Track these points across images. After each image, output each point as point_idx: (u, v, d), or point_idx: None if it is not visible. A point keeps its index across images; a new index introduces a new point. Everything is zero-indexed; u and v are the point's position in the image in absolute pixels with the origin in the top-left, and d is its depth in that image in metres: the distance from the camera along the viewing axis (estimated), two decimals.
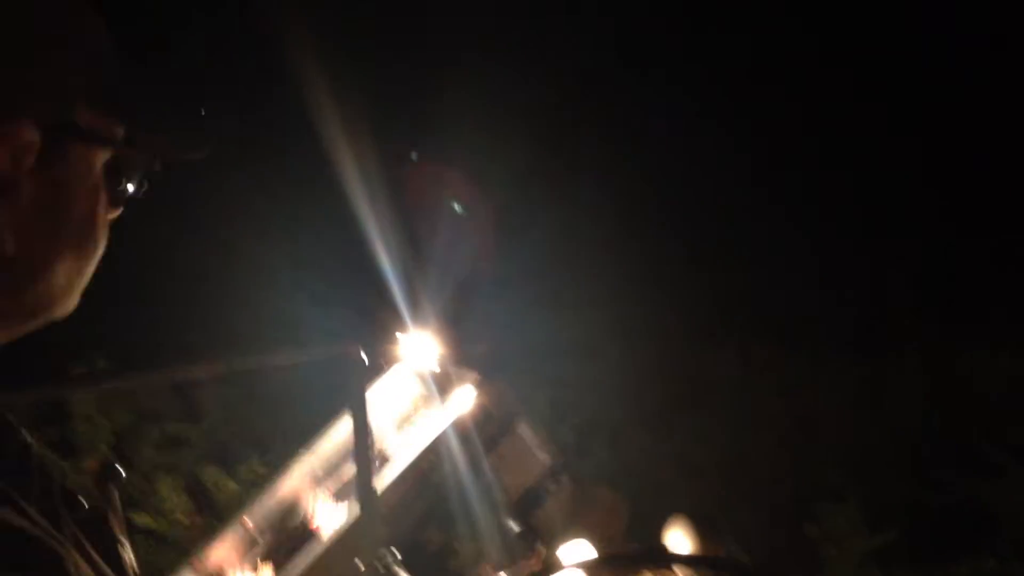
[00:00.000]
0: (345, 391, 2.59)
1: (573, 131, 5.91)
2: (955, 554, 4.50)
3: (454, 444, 3.23)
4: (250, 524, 2.94)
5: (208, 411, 4.96)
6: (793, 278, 6.22)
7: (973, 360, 5.83)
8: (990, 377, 5.65)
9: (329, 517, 2.93)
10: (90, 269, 0.68)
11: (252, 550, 2.87)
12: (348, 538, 2.67)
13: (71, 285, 0.64)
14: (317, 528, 2.88)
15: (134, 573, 0.74)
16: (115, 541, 0.72)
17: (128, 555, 0.74)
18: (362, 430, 2.52)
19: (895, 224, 6.83)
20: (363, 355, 2.59)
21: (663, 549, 2.37)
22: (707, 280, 5.86)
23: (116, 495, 0.74)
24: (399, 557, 2.58)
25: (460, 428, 3.30)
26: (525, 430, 3.45)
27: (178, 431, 4.96)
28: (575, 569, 1.79)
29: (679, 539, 2.65)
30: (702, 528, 2.83)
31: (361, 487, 2.55)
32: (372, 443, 2.78)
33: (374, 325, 3.18)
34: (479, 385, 3.50)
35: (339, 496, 3.03)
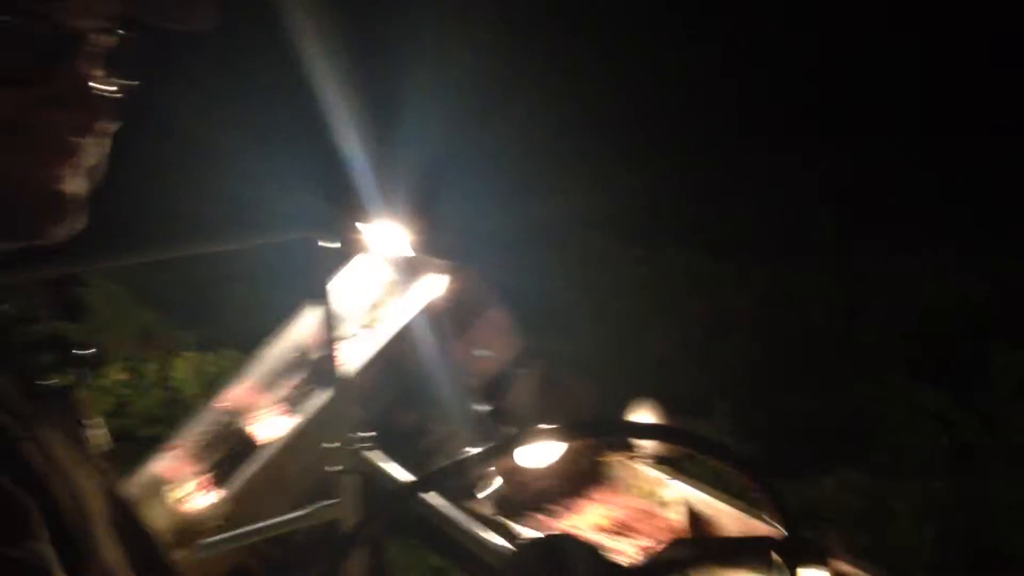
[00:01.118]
0: (308, 277, 2.60)
1: (543, 21, 5.79)
2: (827, 466, 4.40)
3: (425, 329, 3.28)
4: (226, 403, 2.99)
5: (168, 297, 4.96)
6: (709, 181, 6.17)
7: (872, 261, 5.85)
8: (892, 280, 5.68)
9: (301, 402, 2.98)
10: None
11: (228, 431, 2.93)
12: (321, 420, 2.73)
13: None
14: (290, 411, 2.93)
15: (102, 451, 0.75)
16: (76, 419, 0.72)
17: (98, 433, 0.74)
18: (327, 316, 2.54)
19: (806, 128, 6.74)
20: (323, 241, 2.59)
21: (621, 419, 2.44)
22: (649, 181, 5.77)
23: (84, 377, 0.75)
24: (372, 439, 2.63)
25: (431, 313, 3.34)
26: (494, 316, 3.50)
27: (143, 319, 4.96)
28: (538, 440, 1.84)
29: (642, 418, 2.74)
30: (667, 410, 2.92)
31: (332, 371, 2.58)
32: (340, 329, 2.79)
33: (340, 213, 3.17)
34: (449, 271, 3.53)
35: (311, 380, 3.07)
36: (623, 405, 3.06)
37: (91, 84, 0.61)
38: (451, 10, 5.13)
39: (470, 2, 5.24)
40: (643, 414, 3.10)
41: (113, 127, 0.64)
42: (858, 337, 5.19)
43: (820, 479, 4.22)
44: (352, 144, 4.15)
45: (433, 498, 1.70)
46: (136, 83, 0.65)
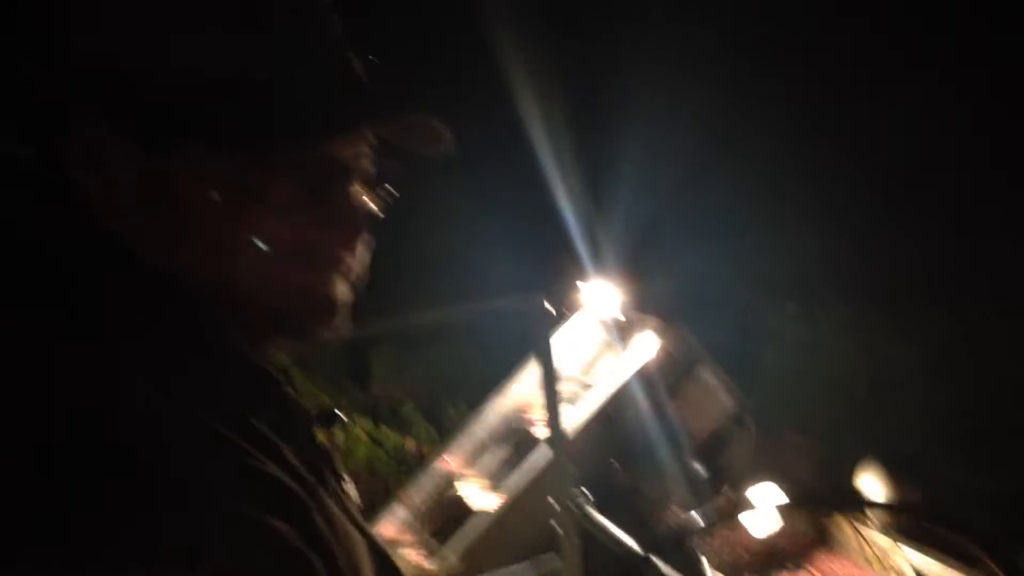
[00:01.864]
0: (529, 339, 2.68)
1: (761, 85, 5.75)
2: None
3: (638, 388, 3.31)
4: (449, 461, 3.14)
5: (399, 366, 5.21)
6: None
7: None
8: None
9: (522, 460, 3.08)
10: None
11: (450, 487, 3.07)
12: (542, 479, 2.81)
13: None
14: (512, 469, 3.03)
15: (358, 507, 0.83)
16: (339, 477, 0.81)
17: (352, 489, 0.82)
18: (549, 377, 2.61)
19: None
20: (546, 304, 2.66)
21: (856, 493, 2.36)
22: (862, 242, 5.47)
23: (335, 438, 0.83)
24: (590, 497, 2.68)
25: (644, 373, 3.37)
26: (708, 374, 3.49)
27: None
28: (766, 509, 1.82)
29: (871, 483, 2.64)
30: (894, 473, 2.79)
31: (552, 431, 2.66)
32: (559, 388, 2.87)
33: (554, 272, 3.27)
34: (661, 330, 3.55)
35: (531, 439, 3.17)
36: (843, 466, 2.96)
37: (358, 205, 0.69)
38: (668, 72, 5.20)
39: (685, 64, 5.29)
40: (869, 477, 2.98)
41: (373, 240, 0.75)
42: None
43: None
44: (569, 204, 4.27)
45: (661, 564, 1.72)
46: (394, 199, 0.76)
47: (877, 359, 4.62)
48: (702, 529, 1.18)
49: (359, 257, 0.73)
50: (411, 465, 3.88)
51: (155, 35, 0.64)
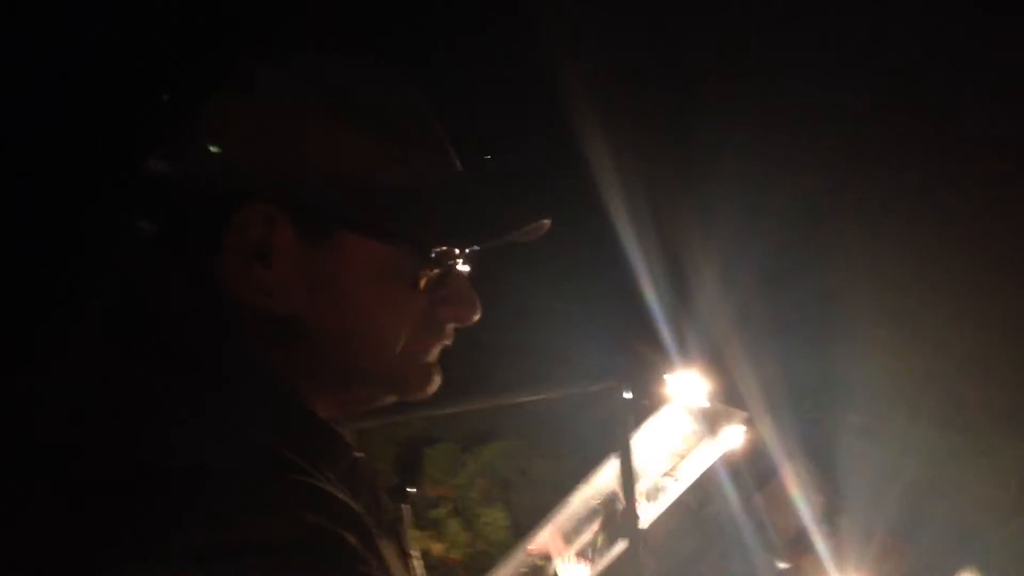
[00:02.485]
0: (611, 428, 2.68)
1: (854, 172, 5.69)
2: None
3: (724, 481, 3.25)
4: (531, 549, 3.12)
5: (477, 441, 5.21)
6: None
7: None
8: None
9: (600, 551, 3.04)
10: None
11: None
12: (617, 570, 2.77)
13: None
14: (589, 561, 3.00)
15: None
16: (406, 555, 0.85)
17: (419, 568, 0.87)
18: (628, 466, 2.61)
19: None
20: (627, 392, 2.67)
21: None
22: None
23: (405, 512, 0.88)
24: None
25: (730, 466, 3.31)
26: (798, 471, 3.40)
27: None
28: None
29: None
30: None
31: (628, 522, 2.64)
32: (636, 480, 2.85)
33: (638, 362, 3.27)
34: (749, 423, 3.49)
35: (610, 530, 3.14)
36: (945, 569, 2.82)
37: (467, 285, 0.82)
38: (755, 156, 5.20)
39: (772, 145, 5.29)
40: None
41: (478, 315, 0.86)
42: None
43: None
44: (653, 293, 4.27)
45: None
46: (492, 276, 0.88)
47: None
48: None
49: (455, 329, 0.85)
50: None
51: (323, 144, 0.74)
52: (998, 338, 4.82)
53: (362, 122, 0.74)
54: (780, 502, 3.10)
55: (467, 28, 5.95)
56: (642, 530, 2.66)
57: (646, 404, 3.19)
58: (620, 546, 2.90)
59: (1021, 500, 3.94)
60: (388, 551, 0.72)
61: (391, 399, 0.83)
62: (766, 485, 3.09)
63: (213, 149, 0.73)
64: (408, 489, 1.02)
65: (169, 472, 0.58)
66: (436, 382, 0.84)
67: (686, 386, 3.38)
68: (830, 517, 3.10)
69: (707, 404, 3.42)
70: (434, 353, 0.83)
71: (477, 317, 0.83)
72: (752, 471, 3.11)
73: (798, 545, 2.97)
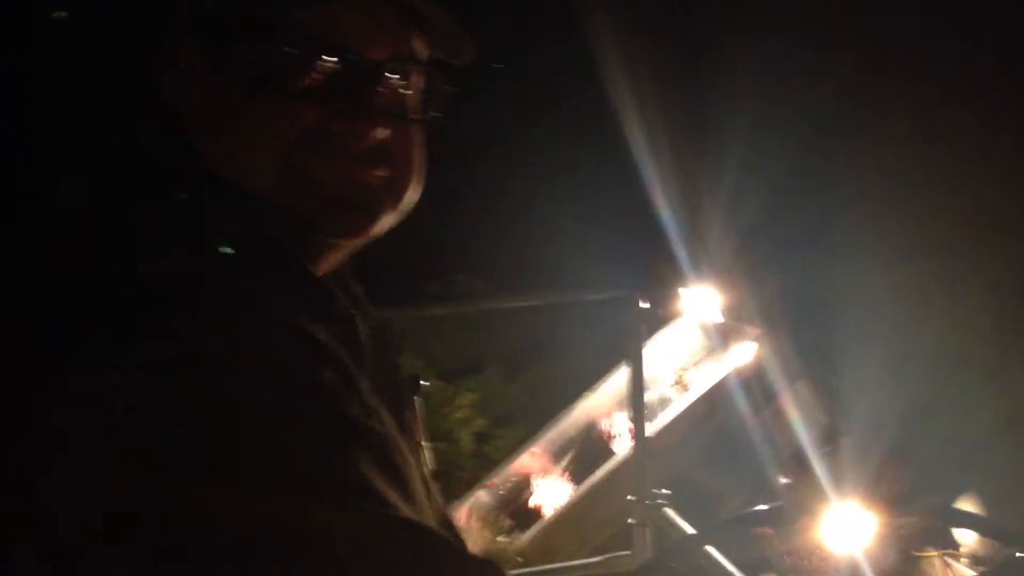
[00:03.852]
0: (622, 337, 2.68)
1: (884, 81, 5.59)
2: None
3: (731, 396, 3.28)
4: (537, 450, 3.18)
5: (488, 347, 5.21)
6: None
7: None
8: None
9: (605, 456, 3.10)
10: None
11: (537, 475, 3.11)
12: (621, 474, 2.83)
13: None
14: (594, 464, 3.05)
15: (431, 472, 0.87)
16: (417, 444, 0.83)
17: (428, 457, 0.86)
18: (638, 374, 2.63)
19: None
20: (642, 302, 2.66)
21: (944, 505, 2.27)
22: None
23: (419, 405, 0.85)
24: (670, 497, 2.67)
25: (739, 381, 3.34)
26: (804, 389, 3.42)
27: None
28: (850, 527, 1.78)
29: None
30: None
31: (636, 430, 2.67)
32: (644, 389, 2.87)
33: (652, 276, 3.27)
34: (760, 340, 3.50)
35: (616, 436, 3.19)
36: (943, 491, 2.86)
37: (381, 102, 0.72)
38: (774, 74, 5.11)
39: (792, 66, 5.19)
40: (965, 504, 2.88)
41: (412, 148, 0.77)
42: None
43: None
44: (670, 205, 4.25)
45: (718, 555, 1.71)
46: (438, 115, 0.78)
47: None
48: (762, 518, 1.18)
49: (386, 154, 0.74)
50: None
51: None
52: (1002, 253, 4.79)
53: None
54: (786, 419, 3.13)
55: None
56: (647, 436, 2.70)
57: (660, 315, 3.21)
58: (616, 460, 2.95)
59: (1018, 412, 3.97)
60: (382, 412, 0.69)
61: (319, 237, 0.73)
62: (773, 401, 3.12)
63: None
64: (421, 382, 0.94)
65: (143, 291, 0.57)
66: (351, 219, 0.72)
67: (700, 300, 3.39)
68: (832, 438, 3.13)
69: (720, 319, 3.43)
70: (343, 182, 0.71)
71: (370, 133, 0.71)
72: (760, 387, 3.13)
73: (801, 461, 3.01)
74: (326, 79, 0.71)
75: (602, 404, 3.31)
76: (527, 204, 4.96)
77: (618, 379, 3.20)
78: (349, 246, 0.77)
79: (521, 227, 4.98)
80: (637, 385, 2.60)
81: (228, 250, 0.63)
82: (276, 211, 0.70)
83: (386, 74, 0.73)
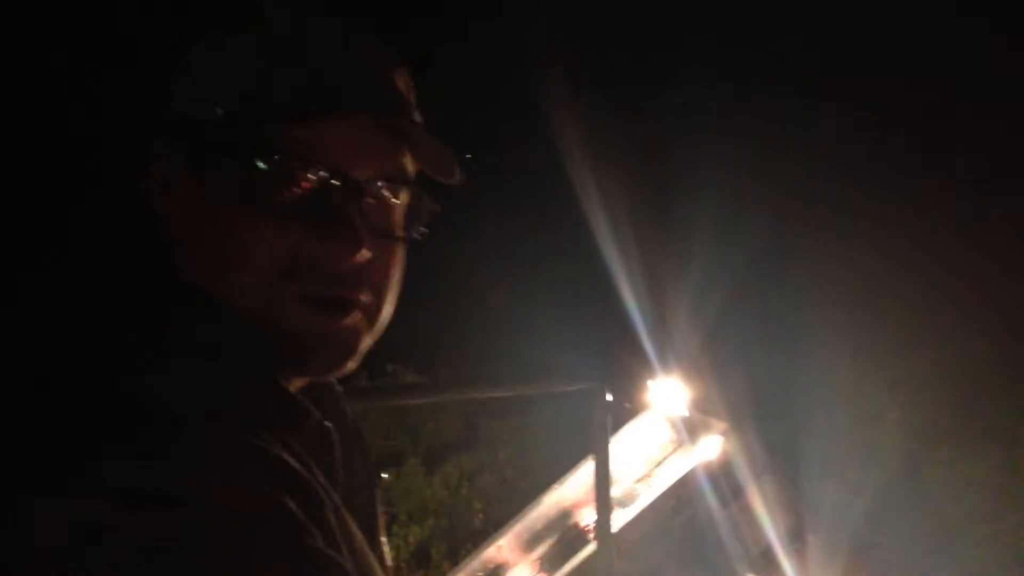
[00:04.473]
0: (588, 430, 2.66)
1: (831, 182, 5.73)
2: None
3: (699, 490, 3.26)
4: (495, 550, 3.12)
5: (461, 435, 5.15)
6: None
7: None
8: None
9: (566, 554, 3.04)
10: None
11: (503, 568, 3.04)
12: (585, 571, 2.77)
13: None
14: (555, 563, 3.00)
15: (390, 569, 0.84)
16: (375, 538, 0.81)
17: (387, 553, 0.83)
18: (604, 469, 2.59)
19: None
20: (608, 394, 2.65)
21: None
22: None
23: (376, 496, 0.82)
24: None
25: (706, 475, 3.32)
26: (771, 485, 3.40)
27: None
28: None
29: None
30: None
31: (601, 524, 2.63)
32: (610, 483, 2.85)
33: (619, 368, 3.27)
34: (727, 434, 3.50)
35: (579, 533, 3.14)
36: None
37: (363, 224, 0.68)
38: (735, 163, 5.23)
39: (753, 155, 5.32)
40: None
41: (394, 271, 0.74)
42: None
43: None
44: (635, 299, 4.27)
45: None
46: (422, 233, 0.76)
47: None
48: None
49: (382, 295, 0.74)
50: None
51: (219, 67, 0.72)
52: (963, 348, 4.85)
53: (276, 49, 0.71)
54: (753, 514, 3.11)
55: (449, 32, 5.95)
56: (613, 534, 2.66)
57: (627, 408, 3.20)
58: (583, 554, 2.91)
59: (990, 506, 3.95)
60: (351, 526, 0.68)
61: (291, 372, 0.69)
62: (740, 496, 3.10)
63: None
64: (382, 475, 0.92)
65: (107, 410, 0.56)
66: (329, 360, 0.68)
67: (667, 393, 3.39)
68: (799, 534, 3.11)
69: (687, 412, 3.43)
70: (351, 328, 0.68)
71: (353, 256, 0.67)
72: (727, 481, 3.12)
73: (770, 559, 2.98)
74: (310, 196, 0.70)
75: (570, 496, 3.27)
76: (491, 295, 4.98)
77: (585, 472, 3.17)
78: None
79: (484, 317, 5.00)
80: (603, 479, 2.56)
81: (198, 362, 0.62)
82: (256, 330, 0.69)
83: (371, 192, 0.73)
